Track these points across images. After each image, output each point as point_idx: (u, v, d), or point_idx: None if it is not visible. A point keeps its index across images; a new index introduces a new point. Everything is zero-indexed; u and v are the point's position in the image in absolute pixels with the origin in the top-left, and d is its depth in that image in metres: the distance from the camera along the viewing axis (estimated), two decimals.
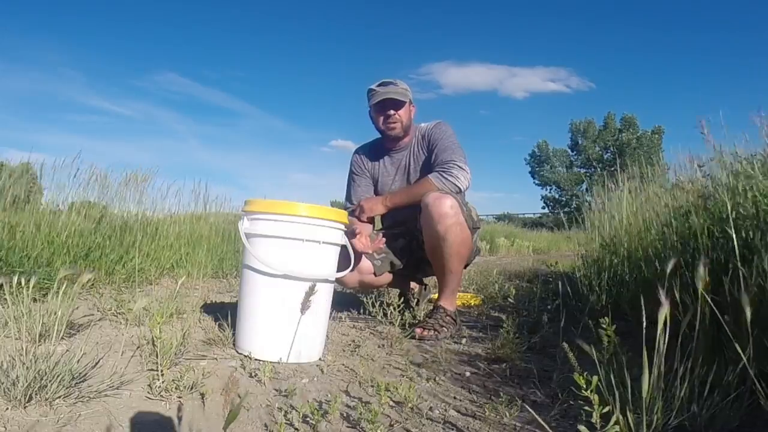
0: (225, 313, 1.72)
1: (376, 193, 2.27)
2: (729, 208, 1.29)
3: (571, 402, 1.19)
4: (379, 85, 2.11)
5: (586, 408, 0.91)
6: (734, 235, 1.23)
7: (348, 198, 2.27)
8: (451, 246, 1.88)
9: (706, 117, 1.52)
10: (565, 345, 1.02)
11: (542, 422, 0.96)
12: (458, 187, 1.95)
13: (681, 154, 2.30)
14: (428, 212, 1.87)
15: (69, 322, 1.59)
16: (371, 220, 2.18)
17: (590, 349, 0.95)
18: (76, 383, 1.13)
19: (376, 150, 2.28)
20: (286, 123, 57.36)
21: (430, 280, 2.58)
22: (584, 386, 0.89)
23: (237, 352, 1.56)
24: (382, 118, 2.11)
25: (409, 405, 1.17)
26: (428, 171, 2.05)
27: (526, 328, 2.02)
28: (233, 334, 1.61)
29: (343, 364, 1.53)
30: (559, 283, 2.25)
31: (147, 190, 3.60)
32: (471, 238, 1.97)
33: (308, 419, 1.05)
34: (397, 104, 2.08)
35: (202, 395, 1.17)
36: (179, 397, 1.15)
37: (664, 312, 0.89)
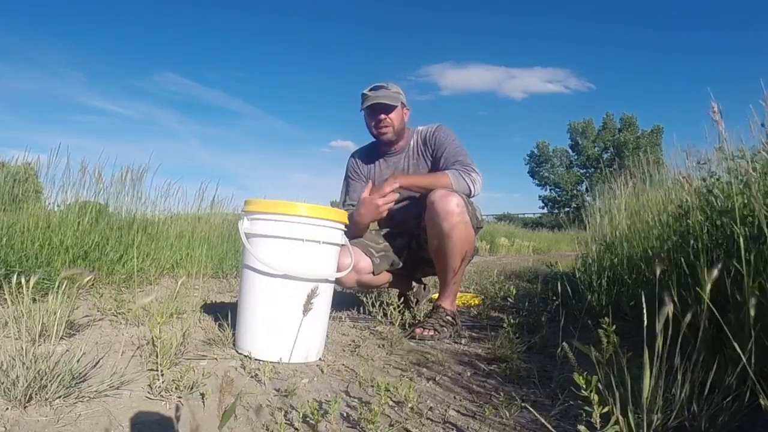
0: (225, 313, 1.72)
1: None
2: (739, 204, 1.28)
3: (571, 402, 1.19)
4: (371, 89, 2.11)
5: (586, 408, 0.91)
6: (741, 232, 1.22)
7: (348, 197, 2.25)
8: (456, 244, 1.88)
9: (705, 114, 1.51)
10: (565, 345, 1.02)
11: (544, 422, 0.96)
12: (471, 190, 1.94)
13: (680, 150, 2.29)
14: (434, 209, 1.86)
15: (69, 322, 1.59)
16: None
17: (589, 350, 0.95)
18: (76, 383, 1.13)
19: (371, 153, 2.28)
20: (286, 123, 57.55)
21: (430, 280, 2.58)
22: (584, 386, 0.89)
23: (237, 352, 1.56)
24: (373, 123, 2.12)
25: (409, 405, 1.17)
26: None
27: (526, 328, 2.02)
28: (233, 334, 1.61)
29: (343, 364, 1.53)
30: (558, 283, 2.25)
31: (145, 188, 3.59)
32: (474, 237, 1.97)
33: (308, 419, 1.05)
34: (388, 108, 2.08)
35: (202, 395, 1.17)
36: (179, 397, 1.15)
37: (665, 312, 0.89)
